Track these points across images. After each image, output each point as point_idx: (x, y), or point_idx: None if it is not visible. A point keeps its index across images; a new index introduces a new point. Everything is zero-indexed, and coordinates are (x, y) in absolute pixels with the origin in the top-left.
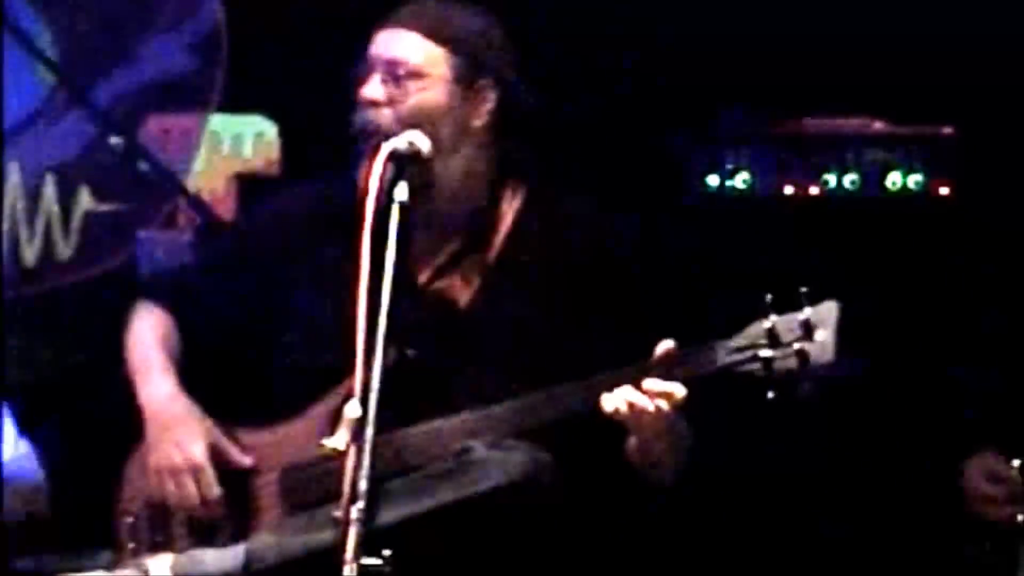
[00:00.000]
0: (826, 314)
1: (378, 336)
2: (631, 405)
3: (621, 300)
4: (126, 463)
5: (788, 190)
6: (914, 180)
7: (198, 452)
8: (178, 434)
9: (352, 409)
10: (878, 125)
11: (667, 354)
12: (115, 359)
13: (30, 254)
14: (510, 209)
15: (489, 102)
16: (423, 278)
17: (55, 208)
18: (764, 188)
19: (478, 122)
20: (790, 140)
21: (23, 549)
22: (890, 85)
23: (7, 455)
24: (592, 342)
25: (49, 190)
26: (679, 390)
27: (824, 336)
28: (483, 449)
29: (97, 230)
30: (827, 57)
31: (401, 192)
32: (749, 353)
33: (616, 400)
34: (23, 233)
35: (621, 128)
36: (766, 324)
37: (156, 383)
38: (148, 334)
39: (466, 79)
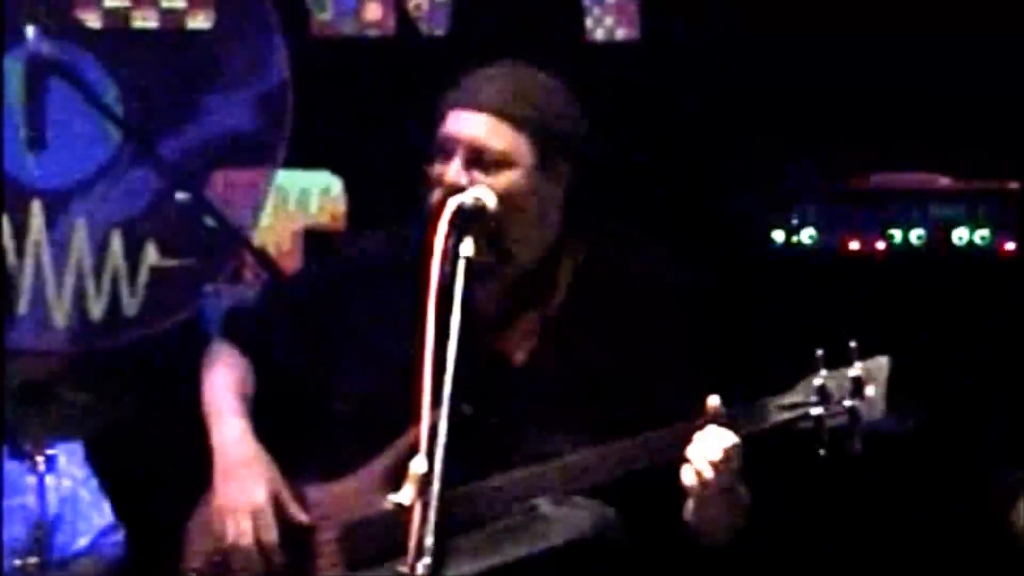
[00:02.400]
0: (876, 370)
1: (443, 391)
2: (707, 459)
3: (682, 357)
4: (190, 519)
5: (854, 245)
6: (980, 235)
7: (259, 495)
8: (242, 476)
9: (418, 464)
10: (944, 180)
11: (717, 412)
12: (181, 414)
13: (96, 309)
14: (570, 265)
15: (564, 177)
16: (479, 332)
17: (121, 263)
18: (830, 243)
19: (557, 194)
20: (856, 195)
21: None
22: (956, 140)
23: (96, 525)
24: (652, 400)
25: (115, 245)
26: (733, 441)
27: (874, 392)
28: (549, 506)
29: (163, 285)
30: (893, 112)
31: (467, 248)
32: (800, 411)
33: (694, 458)
34: (90, 288)
35: (687, 183)
36: (816, 381)
37: (227, 425)
38: (223, 376)
39: (547, 161)
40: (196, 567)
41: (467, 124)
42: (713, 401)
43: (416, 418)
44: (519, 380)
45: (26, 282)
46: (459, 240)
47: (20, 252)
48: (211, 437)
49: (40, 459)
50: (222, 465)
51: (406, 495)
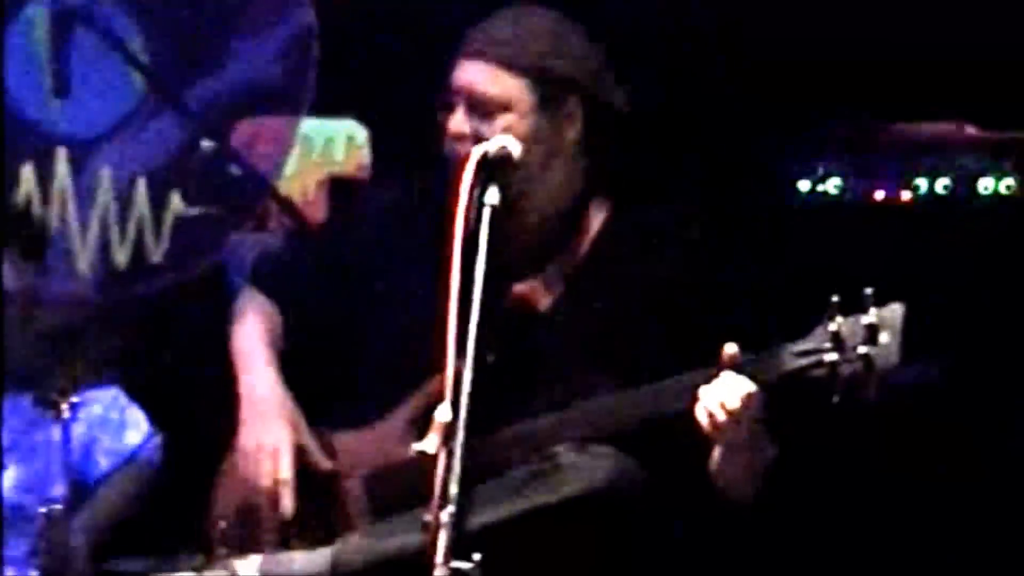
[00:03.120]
0: (891, 317)
1: (467, 340)
2: (720, 405)
3: (706, 308)
4: (219, 469)
5: (879, 195)
6: (1006, 185)
7: (281, 437)
8: (266, 419)
9: (443, 413)
10: (970, 130)
11: (734, 359)
12: (207, 362)
13: (121, 258)
14: (597, 217)
15: (576, 119)
16: (503, 281)
17: (146, 212)
18: (855, 193)
19: (567, 140)
20: (881, 145)
21: (116, 551)
22: (982, 90)
23: (131, 443)
24: (674, 351)
25: (140, 194)
26: (751, 389)
27: (888, 339)
28: (569, 454)
29: (188, 234)
30: (919, 62)
31: (491, 196)
32: (814, 358)
33: (707, 403)
34: (114, 237)
35: (712, 133)
36: (831, 327)
37: (255, 372)
38: (252, 324)
39: (550, 103)
40: (224, 516)
41: (465, 73)
42: (730, 348)
43: (439, 367)
44: (543, 328)
45: (51, 230)
46: (484, 189)
47: (45, 200)
48: (239, 383)
49: (64, 407)
50: (248, 409)
51: (431, 443)
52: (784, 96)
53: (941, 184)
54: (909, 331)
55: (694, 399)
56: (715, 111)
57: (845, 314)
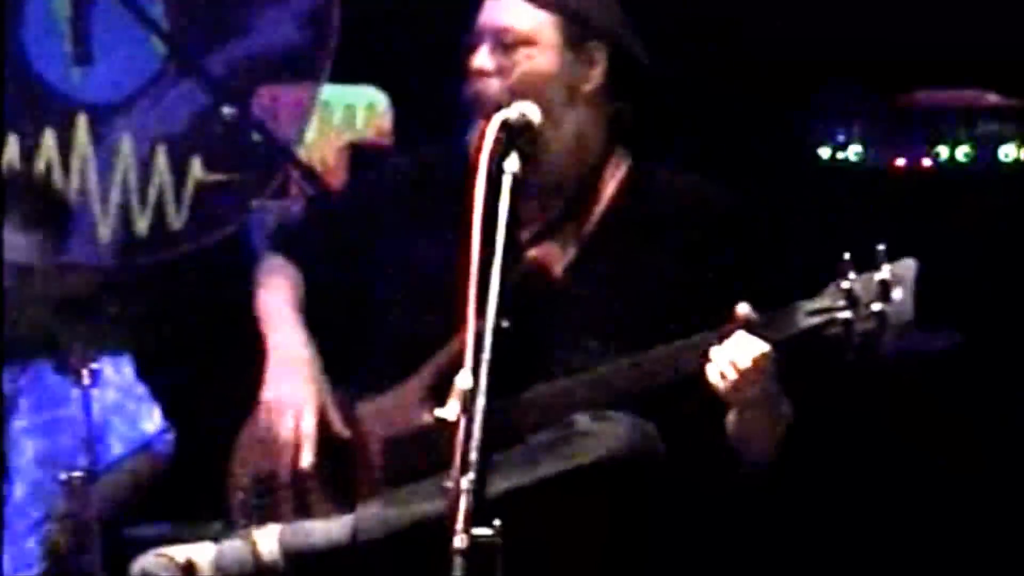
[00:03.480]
0: (903, 272)
1: (487, 306)
2: (732, 365)
3: (722, 274)
4: (237, 438)
5: (900, 162)
6: None
7: (306, 393)
8: (293, 376)
9: (463, 379)
10: (991, 97)
11: (747, 318)
12: (227, 330)
13: (142, 224)
14: (613, 178)
15: (599, 64)
16: (518, 245)
17: (167, 178)
18: (876, 160)
19: (589, 86)
20: (903, 112)
21: (135, 519)
22: (1003, 57)
23: (145, 431)
24: (690, 314)
25: (161, 160)
26: (764, 348)
27: (901, 295)
28: (587, 421)
29: (209, 200)
30: (940, 29)
31: (512, 163)
32: (827, 316)
33: (719, 363)
34: (135, 203)
35: (733, 99)
36: (844, 284)
37: (286, 330)
38: (278, 288)
39: (575, 43)
40: (243, 486)
41: (492, 9)
42: (742, 308)
43: (455, 333)
44: (557, 292)
45: (72, 196)
46: (504, 155)
47: (66, 167)
48: (267, 342)
49: (85, 373)
50: (276, 364)
51: (451, 410)
52: (806, 63)
53: (962, 151)
54: (927, 298)
55: (706, 360)
56: (736, 77)
57: (859, 271)
